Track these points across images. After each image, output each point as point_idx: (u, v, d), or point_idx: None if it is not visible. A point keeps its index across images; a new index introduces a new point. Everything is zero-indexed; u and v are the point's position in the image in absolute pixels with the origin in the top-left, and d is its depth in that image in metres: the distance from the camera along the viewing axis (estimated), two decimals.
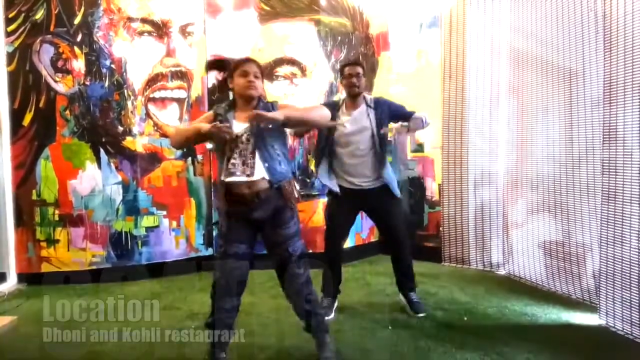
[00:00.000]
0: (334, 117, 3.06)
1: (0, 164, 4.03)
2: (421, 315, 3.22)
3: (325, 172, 3.26)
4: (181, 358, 2.64)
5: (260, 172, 2.35)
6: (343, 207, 3.27)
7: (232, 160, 2.36)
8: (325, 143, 3.23)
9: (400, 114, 3.26)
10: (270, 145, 2.40)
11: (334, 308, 3.31)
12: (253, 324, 3.02)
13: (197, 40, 4.58)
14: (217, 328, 2.48)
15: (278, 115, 2.31)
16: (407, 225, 3.83)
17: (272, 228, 2.44)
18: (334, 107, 3.20)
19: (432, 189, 4.87)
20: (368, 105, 3.24)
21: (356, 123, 3.20)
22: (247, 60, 2.48)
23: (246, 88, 2.40)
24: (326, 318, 2.78)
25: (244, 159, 2.36)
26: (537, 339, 2.80)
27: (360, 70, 3.24)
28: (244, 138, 2.37)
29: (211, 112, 2.53)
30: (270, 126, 2.36)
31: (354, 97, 3.26)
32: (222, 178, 2.39)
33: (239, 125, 2.39)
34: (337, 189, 3.23)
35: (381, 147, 3.19)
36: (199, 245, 4.62)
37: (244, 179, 2.34)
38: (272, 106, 2.47)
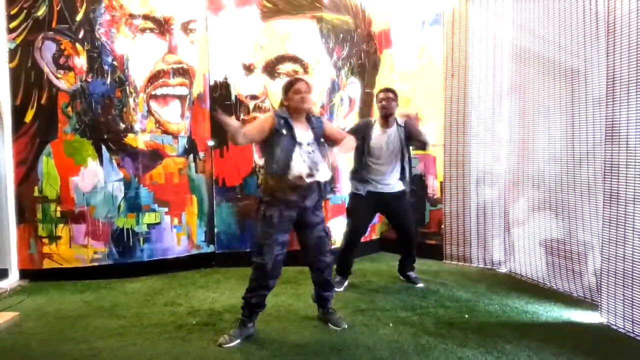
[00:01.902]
0: (369, 135, 3.76)
1: (2, 160, 4.04)
2: (420, 285, 3.89)
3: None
4: (182, 354, 2.64)
5: (327, 172, 2.85)
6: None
7: (307, 170, 2.80)
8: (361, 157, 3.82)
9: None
10: (322, 151, 2.93)
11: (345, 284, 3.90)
12: (256, 321, 3.03)
13: (199, 37, 4.58)
14: (255, 300, 2.83)
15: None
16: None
17: (314, 213, 2.95)
18: (367, 125, 3.88)
19: (433, 186, 4.87)
20: (399, 125, 3.79)
21: (390, 139, 3.78)
22: (300, 80, 2.99)
23: (302, 103, 2.87)
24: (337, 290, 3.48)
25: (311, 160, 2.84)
26: (538, 337, 2.81)
27: (391, 95, 3.78)
28: (308, 145, 2.87)
29: (271, 114, 3.00)
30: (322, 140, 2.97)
31: (386, 118, 3.78)
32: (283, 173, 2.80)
33: (300, 133, 2.86)
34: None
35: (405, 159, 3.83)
36: (200, 242, 4.62)
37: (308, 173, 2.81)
38: (317, 119, 3.00)
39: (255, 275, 2.81)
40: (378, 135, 3.78)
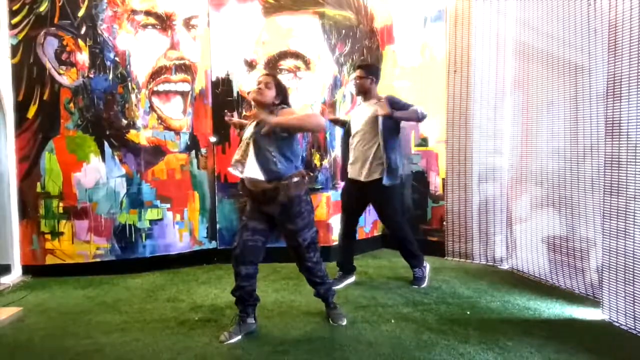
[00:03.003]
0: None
1: (4, 156, 4.05)
2: (415, 286, 3.73)
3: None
4: (185, 349, 2.65)
5: (255, 171, 2.72)
6: None
7: (236, 157, 2.79)
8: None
9: None
10: (266, 148, 2.71)
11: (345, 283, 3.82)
12: (257, 317, 3.03)
13: (201, 33, 4.57)
14: (238, 293, 2.83)
15: (270, 120, 2.64)
16: (409, 217, 4.28)
17: (282, 222, 2.83)
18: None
19: (435, 183, 4.86)
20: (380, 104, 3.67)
21: (363, 114, 3.71)
22: (266, 75, 2.94)
23: (253, 93, 2.83)
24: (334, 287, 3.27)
25: (241, 158, 2.77)
26: (540, 334, 2.81)
27: (361, 72, 3.68)
28: (245, 141, 2.79)
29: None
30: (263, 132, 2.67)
31: (359, 95, 3.79)
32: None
33: (248, 129, 2.84)
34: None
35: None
36: (202, 238, 4.63)
37: (240, 175, 2.78)
38: (278, 108, 2.82)
39: (232, 262, 2.84)
40: (355, 109, 3.73)
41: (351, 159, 3.75)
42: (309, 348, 2.64)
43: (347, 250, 3.90)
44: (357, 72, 3.73)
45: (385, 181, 3.56)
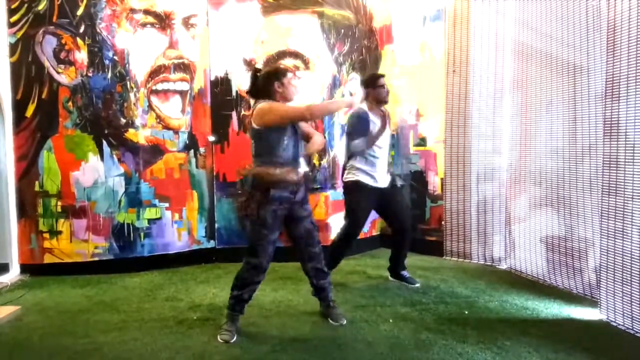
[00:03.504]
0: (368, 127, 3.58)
1: (3, 155, 4.04)
2: (417, 285, 3.75)
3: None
4: (183, 348, 2.65)
5: (304, 164, 2.95)
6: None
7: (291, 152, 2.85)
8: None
9: None
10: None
11: None
12: (255, 316, 3.04)
13: (200, 32, 4.57)
14: (248, 295, 2.86)
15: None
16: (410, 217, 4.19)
17: (302, 205, 2.94)
18: (365, 117, 3.60)
19: (434, 182, 4.87)
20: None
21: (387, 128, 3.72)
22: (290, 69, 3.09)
23: (295, 93, 2.92)
24: None
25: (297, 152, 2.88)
26: (537, 334, 2.81)
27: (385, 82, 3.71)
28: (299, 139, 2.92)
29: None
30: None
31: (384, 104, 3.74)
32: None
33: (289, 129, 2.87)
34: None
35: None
36: (201, 237, 4.63)
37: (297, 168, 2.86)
38: None
39: (249, 273, 2.80)
40: (378, 125, 3.58)
41: (377, 169, 3.61)
42: (307, 347, 2.64)
43: (342, 255, 3.83)
44: (385, 82, 3.69)
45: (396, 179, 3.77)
